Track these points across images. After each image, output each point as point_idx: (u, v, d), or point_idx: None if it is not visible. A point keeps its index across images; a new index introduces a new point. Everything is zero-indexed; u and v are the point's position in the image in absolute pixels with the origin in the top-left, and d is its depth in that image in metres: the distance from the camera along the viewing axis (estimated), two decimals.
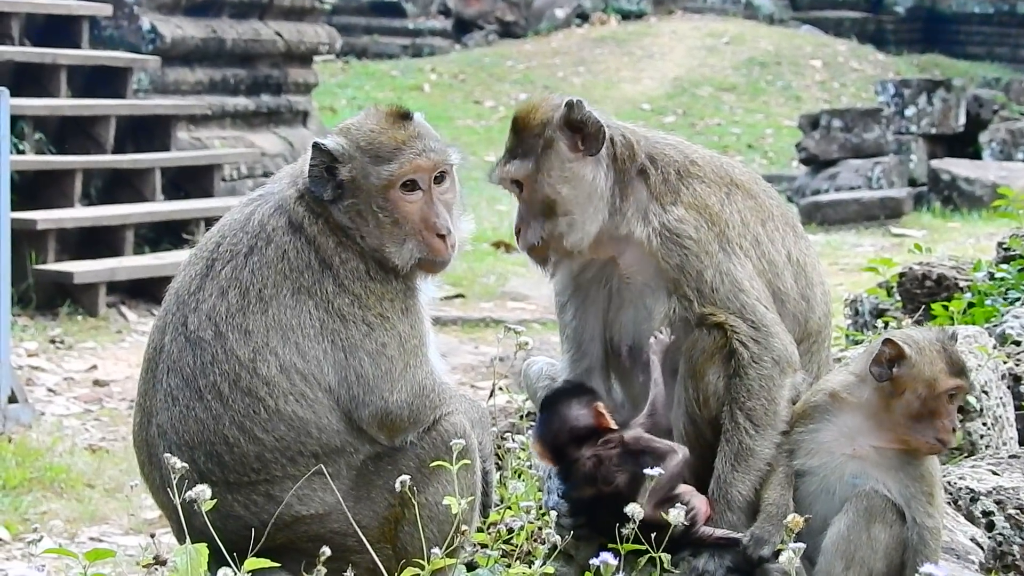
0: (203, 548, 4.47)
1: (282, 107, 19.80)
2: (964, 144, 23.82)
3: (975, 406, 6.09)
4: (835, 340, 6.30)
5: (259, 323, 4.75)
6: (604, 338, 5.06)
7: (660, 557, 4.66)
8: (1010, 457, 5.81)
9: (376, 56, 33.86)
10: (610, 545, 4.57)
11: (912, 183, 22.99)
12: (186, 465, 4.55)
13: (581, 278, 5.08)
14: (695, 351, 4.83)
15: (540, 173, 4.94)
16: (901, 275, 8.27)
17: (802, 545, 4.27)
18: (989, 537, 5.40)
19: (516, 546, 5.31)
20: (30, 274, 14.46)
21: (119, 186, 16.61)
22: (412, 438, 4.81)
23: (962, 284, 7.99)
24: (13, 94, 12.48)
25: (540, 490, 5.41)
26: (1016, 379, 6.69)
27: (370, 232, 4.84)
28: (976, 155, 23.49)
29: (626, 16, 35.95)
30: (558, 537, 4.81)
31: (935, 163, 22.48)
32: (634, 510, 4.53)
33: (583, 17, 35.88)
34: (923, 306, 7.88)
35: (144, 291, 15.09)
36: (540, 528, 5.36)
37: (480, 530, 5.28)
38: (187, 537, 4.60)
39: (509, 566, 5.02)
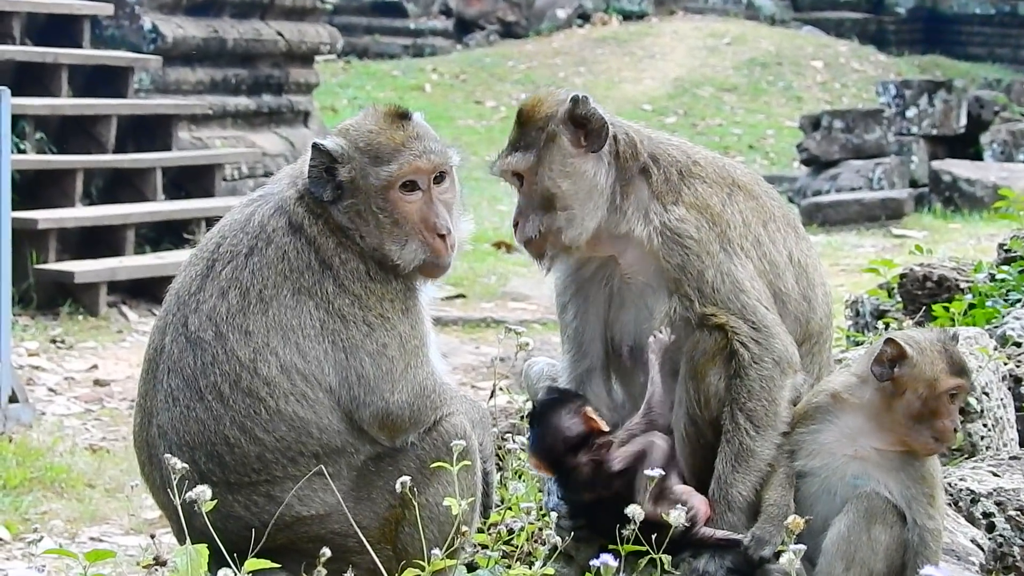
0: (203, 549, 4.47)
1: (283, 107, 19.79)
2: (965, 145, 23.80)
3: (976, 408, 6.09)
4: (836, 341, 6.30)
5: (259, 324, 4.75)
6: (605, 338, 5.05)
7: (660, 558, 4.66)
8: (1011, 458, 5.81)
9: (377, 56, 33.85)
10: (610, 546, 4.57)
11: (913, 184, 22.98)
12: (186, 465, 4.55)
13: (582, 278, 5.07)
14: (696, 352, 4.83)
15: (541, 166, 4.93)
16: (902, 276, 8.26)
17: (803, 546, 4.27)
18: (989, 538, 5.40)
19: (516, 547, 5.31)
20: (31, 274, 14.45)
21: (120, 186, 16.60)
22: (413, 439, 4.81)
23: (963, 285, 7.98)
24: (14, 93, 12.45)
25: (540, 491, 5.41)
26: (1017, 380, 6.69)
27: (370, 232, 4.84)
28: (977, 156, 23.48)
29: (627, 16, 35.93)
30: (558, 538, 4.81)
31: (936, 164, 22.47)
32: (634, 511, 4.53)
33: (584, 17, 35.86)
34: (924, 307, 7.87)
35: (145, 291, 15.07)
36: (540, 529, 5.36)
37: (480, 531, 5.28)
38: (187, 537, 4.60)
39: (509, 567, 5.03)
